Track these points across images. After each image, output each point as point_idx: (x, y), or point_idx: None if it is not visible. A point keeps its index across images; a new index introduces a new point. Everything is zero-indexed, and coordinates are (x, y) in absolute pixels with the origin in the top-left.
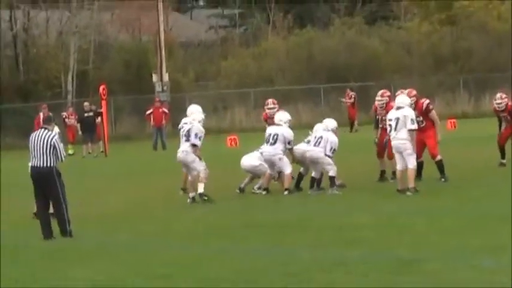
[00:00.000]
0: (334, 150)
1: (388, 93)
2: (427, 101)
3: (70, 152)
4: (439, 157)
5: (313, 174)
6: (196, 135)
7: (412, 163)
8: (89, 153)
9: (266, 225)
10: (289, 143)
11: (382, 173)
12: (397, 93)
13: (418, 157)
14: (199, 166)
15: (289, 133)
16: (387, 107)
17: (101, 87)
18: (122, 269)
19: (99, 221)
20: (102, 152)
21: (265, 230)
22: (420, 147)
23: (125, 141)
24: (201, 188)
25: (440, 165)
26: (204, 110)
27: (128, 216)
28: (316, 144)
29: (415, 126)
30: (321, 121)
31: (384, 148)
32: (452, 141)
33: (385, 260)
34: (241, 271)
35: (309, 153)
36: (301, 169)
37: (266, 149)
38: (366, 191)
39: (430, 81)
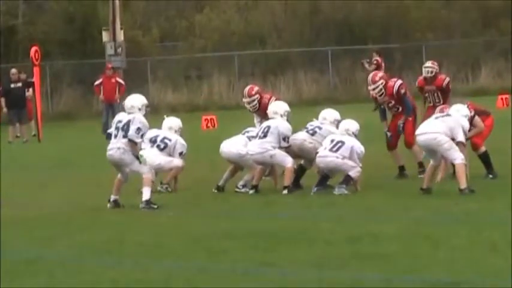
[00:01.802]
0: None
1: (381, 74)
2: (466, 108)
3: None
4: (483, 148)
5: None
6: (138, 130)
7: (458, 157)
8: (17, 136)
9: (255, 235)
10: (284, 139)
11: (401, 168)
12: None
13: None
14: (142, 168)
15: (285, 127)
16: (388, 91)
17: (33, 49)
18: None
19: (30, 227)
20: (34, 135)
21: (254, 241)
22: None
23: (65, 121)
24: (147, 194)
25: (485, 158)
26: (173, 80)
27: (69, 221)
28: (334, 149)
29: (464, 140)
30: (328, 97)
31: (397, 136)
32: (503, 124)
33: (413, 282)
34: None
35: (324, 160)
36: (303, 161)
37: (252, 146)
38: (386, 192)
39: (475, 44)
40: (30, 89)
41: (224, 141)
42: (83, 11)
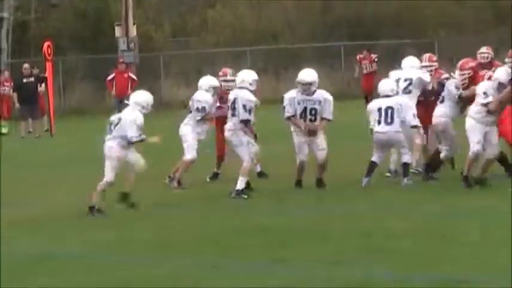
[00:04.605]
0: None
1: (472, 64)
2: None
3: (4, 130)
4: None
5: (373, 158)
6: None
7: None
8: (29, 132)
9: (267, 232)
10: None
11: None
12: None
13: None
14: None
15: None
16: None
17: (46, 44)
18: None
19: (39, 225)
20: (46, 130)
21: (266, 238)
22: None
23: (77, 117)
24: (241, 184)
25: (501, 159)
26: (185, 75)
27: (79, 219)
28: (388, 119)
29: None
30: (340, 92)
31: None
32: None
33: (426, 279)
34: None
35: (383, 136)
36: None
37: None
38: (398, 187)
39: (488, 40)
40: (43, 84)
41: None
42: (95, 6)
